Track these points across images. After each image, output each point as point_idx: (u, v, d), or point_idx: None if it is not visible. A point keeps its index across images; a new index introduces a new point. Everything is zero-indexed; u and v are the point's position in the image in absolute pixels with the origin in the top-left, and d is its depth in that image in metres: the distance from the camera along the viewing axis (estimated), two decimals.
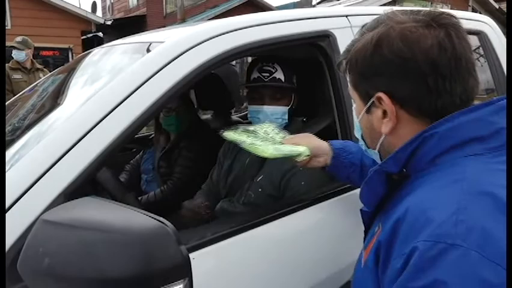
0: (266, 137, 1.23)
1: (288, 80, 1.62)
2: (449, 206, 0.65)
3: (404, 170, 0.77)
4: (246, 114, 1.98)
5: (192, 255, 1.04)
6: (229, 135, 1.21)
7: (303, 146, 1.20)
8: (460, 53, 0.74)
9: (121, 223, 0.71)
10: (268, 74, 1.60)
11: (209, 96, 2.48)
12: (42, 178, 0.92)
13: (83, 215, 0.74)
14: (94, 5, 17.01)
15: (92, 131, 0.98)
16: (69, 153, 0.95)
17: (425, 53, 0.73)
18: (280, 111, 1.61)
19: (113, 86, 1.07)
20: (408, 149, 0.75)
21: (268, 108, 1.61)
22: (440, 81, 0.73)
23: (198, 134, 2.33)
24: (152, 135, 2.55)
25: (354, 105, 0.89)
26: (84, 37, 11.76)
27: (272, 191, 1.56)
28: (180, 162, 2.28)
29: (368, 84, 0.80)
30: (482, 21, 2.01)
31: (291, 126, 1.66)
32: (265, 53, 1.56)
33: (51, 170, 0.93)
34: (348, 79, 0.86)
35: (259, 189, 1.60)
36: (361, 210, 0.90)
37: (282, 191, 1.54)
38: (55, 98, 1.48)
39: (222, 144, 1.89)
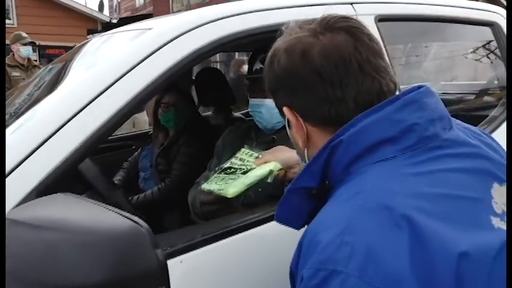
0: (242, 166, 1.20)
1: None
2: (337, 226, 0.60)
3: (327, 181, 0.72)
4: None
5: (179, 258, 0.97)
6: (204, 187, 1.20)
7: (272, 162, 1.17)
8: (349, 56, 0.69)
9: (89, 222, 0.63)
10: None
11: (209, 91, 2.40)
12: (12, 173, 0.84)
13: (49, 214, 0.66)
14: (101, 4, 17.06)
15: (67, 124, 0.90)
16: (42, 146, 0.88)
17: (309, 64, 0.70)
18: None
19: (93, 77, 1.00)
20: (320, 161, 0.70)
21: (271, 102, 1.51)
22: (329, 90, 0.70)
23: (198, 131, 2.26)
24: (151, 132, 2.48)
25: None
26: (90, 36, 11.76)
27: (273, 191, 1.47)
28: (179, 159, 2.21)
29: (276, 100, 0.79)
30: (495, 12, 1.90)
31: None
32: (263, 42, 1.47)
33: (22, 164, 0.85)
34: None
35: (259, 189, 1.50)
36: None
37: None
38: (42, 89, 1.40)
39: None
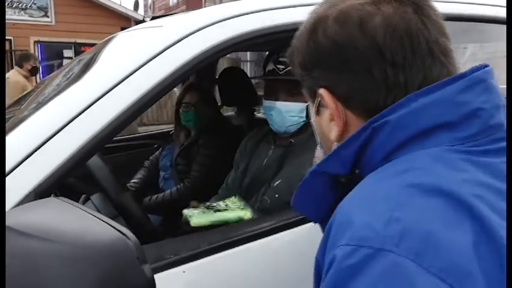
0: (220, 208, 1.29)
1: None
2: (383, 201, 0.48)
3: (357, 171, 0.60)
4: None
5: (182, 268, 0.93)
6: (184, 211, 1.29)
7: (244, 210, 1.26)
8: (417, 32, 0.57)
9: (74, 232, 0.59)
10: (283, 67, 1.45)
11: (232, 91, 2.36)
12: (11, 173, 0.82)
13: (35, 220, 0.63)
14: (136, 3, 17.43)
15: (69, 125, 0.87)
16: (44, 145, 0.85)
17: (368, 36, 0.57)
18: (296, 108, 1.44)
19: (97, 77, 0.97)
20: (354, 145, 0.58)
21: (282, 105, 1.45)
22: (390, 72, 0.57)
23: (219, 131, 2.22)
24: (173, 131, 2.46)
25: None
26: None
27: (290, 198, 1.41)
28: (198, 160, 2.18)
29: (310, 79, 0.64)
30: None
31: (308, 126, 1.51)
32: (278, 42, 1.41)
33: (22, 164, 0.83)
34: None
35: (276, 195, 1.45)
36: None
37: None
38: (55, 85, 1.40)
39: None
